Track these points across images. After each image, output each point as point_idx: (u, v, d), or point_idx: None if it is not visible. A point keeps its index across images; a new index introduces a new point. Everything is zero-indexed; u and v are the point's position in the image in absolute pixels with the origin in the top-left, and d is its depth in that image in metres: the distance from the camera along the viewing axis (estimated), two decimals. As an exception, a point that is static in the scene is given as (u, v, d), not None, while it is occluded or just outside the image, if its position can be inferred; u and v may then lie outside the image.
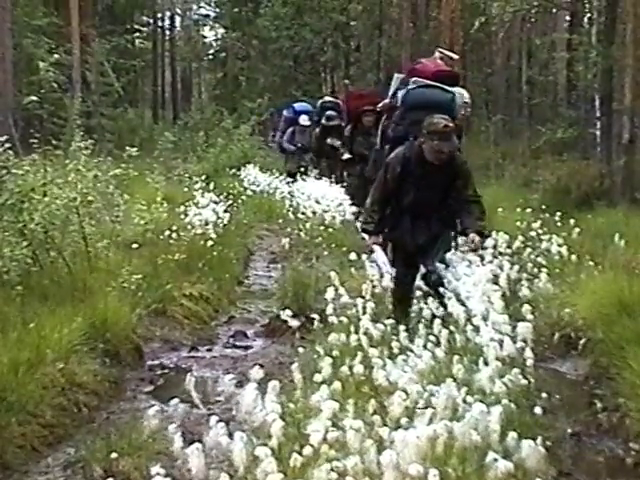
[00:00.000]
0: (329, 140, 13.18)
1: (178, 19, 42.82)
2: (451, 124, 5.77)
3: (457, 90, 6.83)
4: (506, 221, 10.19)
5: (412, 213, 5.98)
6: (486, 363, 4.41)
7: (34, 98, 12.36)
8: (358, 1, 31.53)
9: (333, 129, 13.26)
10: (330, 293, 5.53)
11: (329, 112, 13.52)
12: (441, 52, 7.68)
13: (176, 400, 3.57)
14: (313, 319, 5.53)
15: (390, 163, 6.04)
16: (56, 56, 15.49)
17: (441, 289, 5.43)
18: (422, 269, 6.03)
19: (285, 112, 16.61)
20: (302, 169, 14.58)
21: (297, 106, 16.42)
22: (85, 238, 7.12)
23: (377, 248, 6.08)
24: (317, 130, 13.99)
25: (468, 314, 5.04)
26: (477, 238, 5.84)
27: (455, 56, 7.42)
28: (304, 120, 15.20)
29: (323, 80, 35.46)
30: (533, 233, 8.66)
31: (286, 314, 5.56)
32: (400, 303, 5.95)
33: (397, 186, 5.93)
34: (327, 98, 15.40)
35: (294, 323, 5.66)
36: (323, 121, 13.57)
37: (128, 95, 28.60)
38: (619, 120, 15.33)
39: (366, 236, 6.31)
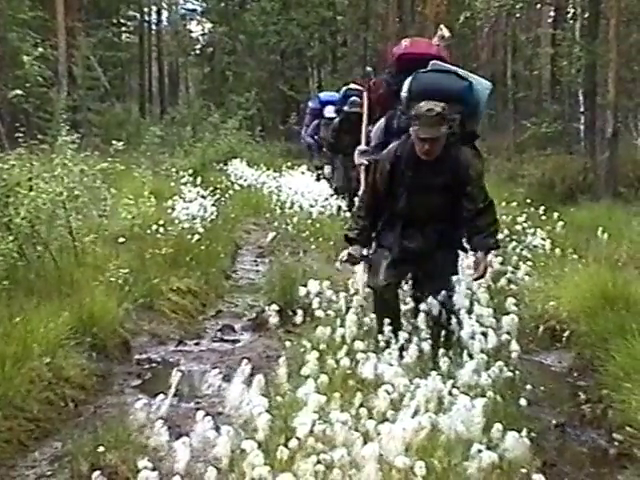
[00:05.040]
0: None
1: (165, 13, 42.70)
2: (440, 110, 4.82)
3: (479, 80, 5.56)
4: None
5: (405, 220, 5.12)
6: (471, 356, 4.45)
7: (19, 92, 12.32)
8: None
9: (355, 116, 11.64)
10: (315, 287, 5.54)
11: (353, 98, 11.07)
12: (441, 29, 6.22)
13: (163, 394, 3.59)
14: (300, 313, 5.53)
15: (380, 161, 5.18)
16: (40, 50, 15.46)
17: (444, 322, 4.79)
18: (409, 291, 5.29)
19: (310, 103, 14.69)
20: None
21: (323, 96, 14.31)
22: (72, 232, 7.13)
23: (358, 270, 5.24)
24: (336, 120, 11.89)
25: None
26: (483, 263, 5.00)
27: (446, 33, 6.00)
28: (330, 112, 12.87)
29: (310, 75, 35.46)
30: (518, 227, 8.73)
31: (272, 308, 5.55)
32: (385, 317, 4.93)
33: (388, 188, 5.08)
34: (352, 85, 13.19)
35: (273, 321, 5.53)
36: (345, 108, 11.44)
37: (115, 89, 28.55)
38: (602, 115, 15.46)
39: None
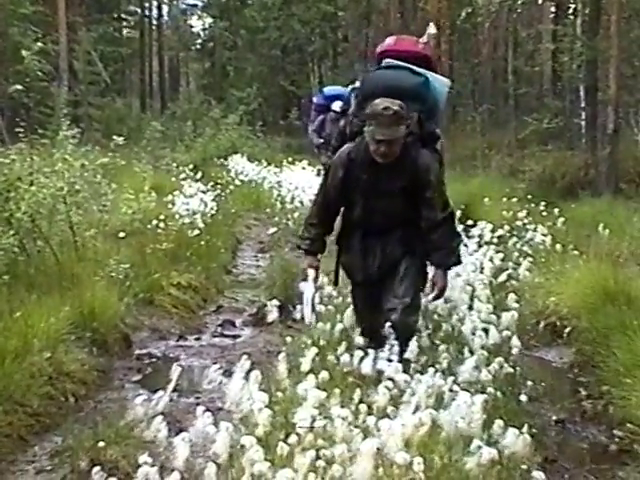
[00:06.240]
0: None
1: (165, 8, 42.65)
2: (398, 109, 4.41)
3: (437, 77, 5.12)
4: (492, 211, 10.26)
5: (364, 230, 4.71)
6: (471, 352, 4.45)
7: (19, 87, 12.32)
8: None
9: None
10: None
11: None
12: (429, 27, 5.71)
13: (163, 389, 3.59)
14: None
15: (332, 166, 4.79)
16: (39, 44, 15.45)
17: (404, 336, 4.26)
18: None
19: (315, 99, 13.76)
20: None
21: (327, 90, 13.42)
22: (72, 227, 7.13)
23: (309, 279, 4.78)
24: (342, 124, 11.48)
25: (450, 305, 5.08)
26: (441, 282, 4.58)
27: (433, 30, 5.57)
28: (337, 106, 11.67)
29: (311, 70, 35.44)
30: (519, 222, 8.72)
31: (273, 304, 5.54)
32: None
33: (341, 195, 4.69)
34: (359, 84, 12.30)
35: (274, 316, 5.50)
36: (352, 110, 10.95)
37: (116, 84, 28.55)
38: (604, 110, 15.41)
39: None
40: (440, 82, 5.11)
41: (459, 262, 4.76)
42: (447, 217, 4.59)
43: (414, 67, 4.96)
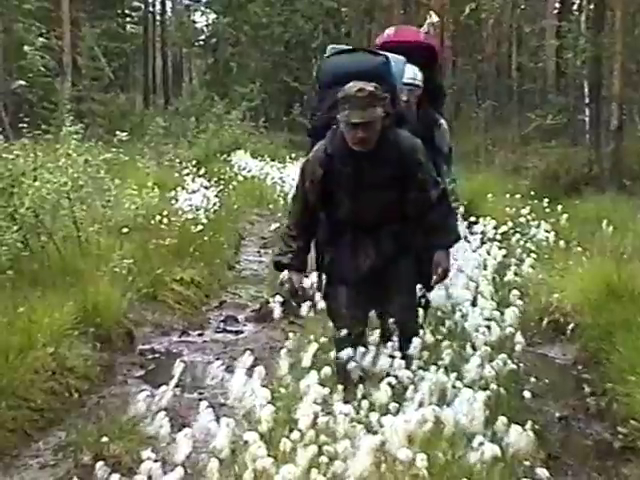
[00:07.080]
0: None
1: (169, 4, 42.67)
2: (373, 90, 4.01)
3: (393, 55, 4.59)
4: (495, 207, 10.24)
5: (353, 228, 4.28)
6: (474, 348, 4.44)
7: (22, 82, 12.33)
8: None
9: None
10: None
11: None
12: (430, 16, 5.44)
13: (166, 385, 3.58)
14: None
15: (307, 167, 4.29)
16: (41, 39, 15.46)
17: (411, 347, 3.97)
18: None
19: None
20: None
21: None
22: (76, 223, 7.13)
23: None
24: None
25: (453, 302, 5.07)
26: (443, 264, 4.26)
27: (435, 19, 5.29)
28: None
29: (314, 66, 35.40)
30: (522, 219, 8.70)
31: (276, 300, 5.52)
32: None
33: (324, 196, 4.23)
34: None
35: (275, 312, 5.46)
36: None
37: (119, 80, 28.54)
38: (608, 107, 15.39)
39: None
40: (397, 60, 4.66)
41: (459, 238, 4.52)
42: (441, 196, 4.25)
43: (371, 49, 4.59)
